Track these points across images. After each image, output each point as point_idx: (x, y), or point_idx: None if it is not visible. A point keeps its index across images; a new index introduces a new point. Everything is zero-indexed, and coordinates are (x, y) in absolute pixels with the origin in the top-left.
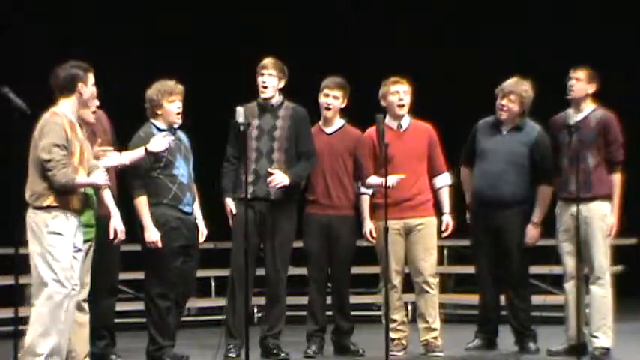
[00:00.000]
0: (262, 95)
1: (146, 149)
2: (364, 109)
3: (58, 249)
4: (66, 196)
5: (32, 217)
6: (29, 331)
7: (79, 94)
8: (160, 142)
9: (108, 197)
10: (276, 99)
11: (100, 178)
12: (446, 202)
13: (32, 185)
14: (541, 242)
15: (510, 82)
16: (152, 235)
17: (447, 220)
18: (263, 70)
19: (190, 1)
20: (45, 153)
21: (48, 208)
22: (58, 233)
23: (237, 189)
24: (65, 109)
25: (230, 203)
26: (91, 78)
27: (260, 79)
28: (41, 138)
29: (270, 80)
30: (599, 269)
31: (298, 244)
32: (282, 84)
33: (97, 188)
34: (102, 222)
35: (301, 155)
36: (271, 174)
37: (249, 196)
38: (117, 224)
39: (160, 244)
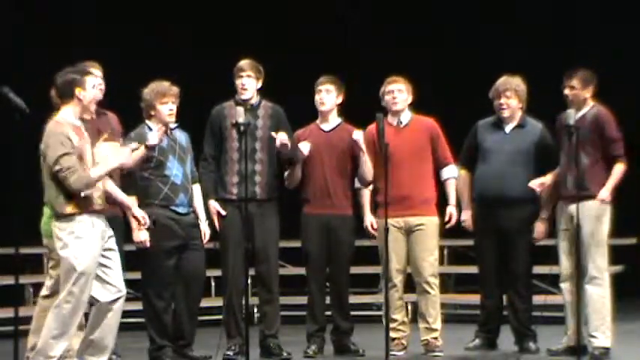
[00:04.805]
0: (242, 97)
1: (146, 145)
2: (364, 109)
3: (82, 255)
4: (87, 199)
5: (57, 224)
6: (45, 330)
7: (78, 99)
8: (154, 135)
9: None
10: (255, 99)
11: (122, 157)
12: (452, 194)
13: (50, 195)
14: (541, 242)
15: (502, 81)
16: (140, 235)
17: (451, 210)
18: (241, 72)
19: (190, 1)
20: (55, 165)
21: (71, 215)
22: (82, 238)
23: (219, 189)
24: (67, 115)
25: (215, 205)
26: (89, 81)
27: (239, 82)
28: (47, 150)
29: (249, 82)
30: (594, 269)
31: (297, 243)
32: (259, 84)
33: (120, 170)
34: (108, 222)
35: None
36: (274, 138)
37: (234, 197)
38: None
39: (147, 244)
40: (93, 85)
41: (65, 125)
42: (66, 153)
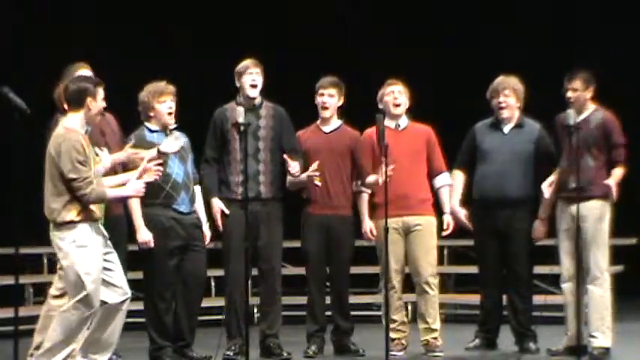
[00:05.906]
0: (251, 94)
1: (158, 150)
2: (364, 109)
3: (87, 263)
4: (87, 208)
5: (57, 233)
6: (50, 333)
7: (88, 108)
8: (172, 144)
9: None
10: (257, 99)
11: (134, 188)
12: (446, 202)
13: (51, 201)
14: (541, 242)
15: (499, 80)
16: (143, 235)
17: (448, 219)
18: (249, 70)
19: (190, 1)
20: (71, 172)
21: (72, 222)
22: (86, 246)
23: (223, 189)
24: (75, 123)
25: (219, 203)
26: (100, 93)
27: (249, 79)
28: (61, 156)
29: (259, 80)
30: (596, 269)
31: (297, 244)
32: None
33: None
34: (111, 222)
35: (289, 152)
36: (286, 161)
37: (239, 197)
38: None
39: (152, 244)
40: (102, 97)
41: (78, 133)
42: (83, 161)
